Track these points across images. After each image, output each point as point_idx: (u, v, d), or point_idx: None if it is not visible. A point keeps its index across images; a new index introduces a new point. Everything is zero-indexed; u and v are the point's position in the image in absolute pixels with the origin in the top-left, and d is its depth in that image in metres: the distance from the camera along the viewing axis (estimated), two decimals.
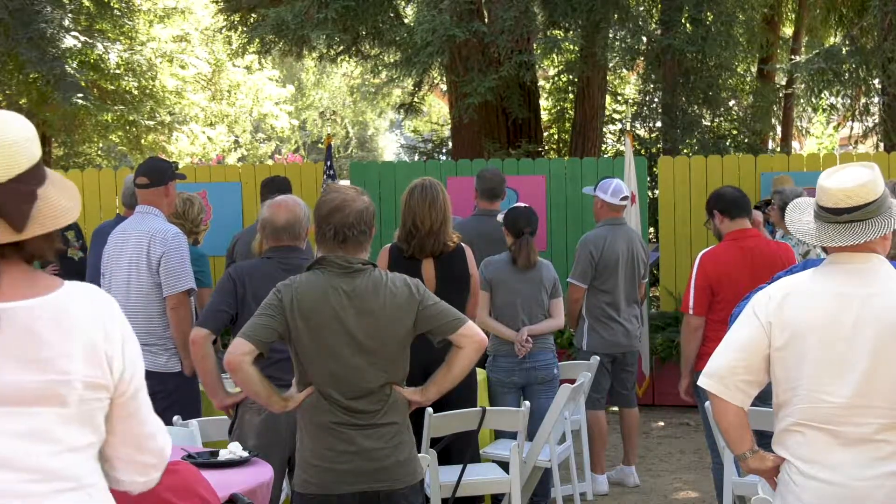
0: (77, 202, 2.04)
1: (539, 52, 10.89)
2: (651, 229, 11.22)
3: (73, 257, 7.53)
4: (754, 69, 14.15)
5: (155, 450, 2.10)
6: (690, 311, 5.58)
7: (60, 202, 2.00)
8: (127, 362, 2.04)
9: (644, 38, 11.03)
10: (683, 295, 5.71)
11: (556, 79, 14.69)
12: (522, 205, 6.26)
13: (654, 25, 11.34)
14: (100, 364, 1.98)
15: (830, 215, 2.99)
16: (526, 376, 6.05)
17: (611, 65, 12.01)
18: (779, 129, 14.94)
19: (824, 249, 3.17)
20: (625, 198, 6.80)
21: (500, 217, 6.31)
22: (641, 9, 11.43)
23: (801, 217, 3.13)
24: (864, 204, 2.96)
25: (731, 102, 12.79)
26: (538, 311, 6.09)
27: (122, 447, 2.05)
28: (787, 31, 15.53)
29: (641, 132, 12.75)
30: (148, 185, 5.50)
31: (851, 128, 13.31)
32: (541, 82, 14.88)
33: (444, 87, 14.73)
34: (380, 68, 12.19)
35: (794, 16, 15.21)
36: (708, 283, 5.53)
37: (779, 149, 13.84)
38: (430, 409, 4.72)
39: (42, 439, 1.91)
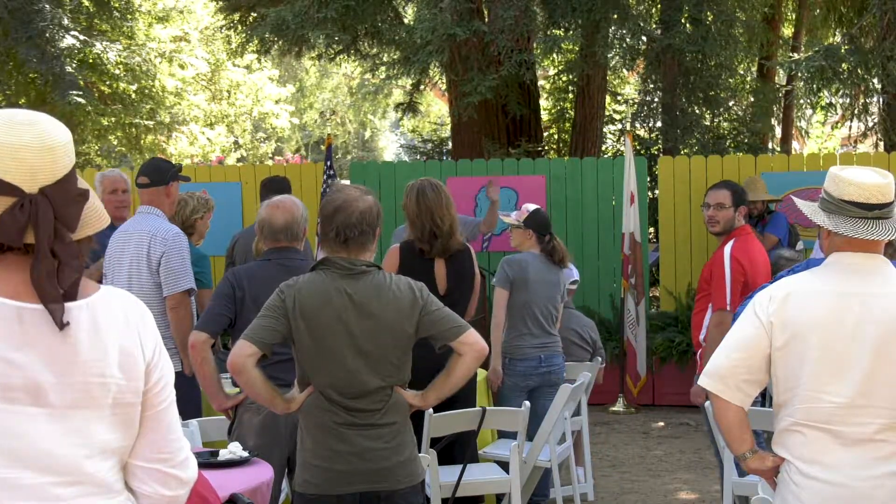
0: (102, 204, 2.05)
1: (539, 51, 10.90)
2: (651, 229, 11.23)
3: None
4: (754, 69, 14.15)
5: (181, 463, 2.09)
6: (728, 308, 5.37)
7: (97, 203, 2.00)
8: (161, 370, 2.04)
9: (644, 38, 11.03)
10: (717, 292, 5.46)
11: (556, 78, 14.69)
12: (539, 207, 6.27)
13: (654, 25, 11.34)
14: (134, 370, 1.98)
15: (860, 210, 2.98)
16: (540, 380, 6.03)
17: (611, 65, 12.00)
18: (778, 129, 14.94)
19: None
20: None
21: (512, 216, 6.22)
22: (641, 8, 11.43)
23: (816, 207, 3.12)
24: (890, 202, 2.98)
25: (731, 102, 12.79)
26: (553, 312, 6.09)
27: (149, 454, 2.04)
28: (787, 31, 15.53)
29: (641, 132, 12.75)
30: (148, 185, 5.50)
31: (850, 127, 13.32)
32: (541, 82, 14.89)
33: (444, 87, 14.73)
34: (379, 67, 12.20)
35: (794, 16, 15.22)
36: (744, 278, 5.41)
37: (779, 149, 13.85)
38: (430, 409, 4.72)
39: (77, 443, 1.92)
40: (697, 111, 11.88)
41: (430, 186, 5.36)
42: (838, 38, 12.77)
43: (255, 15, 12.21)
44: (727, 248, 5.51)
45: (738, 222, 5.61)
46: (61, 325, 1.87)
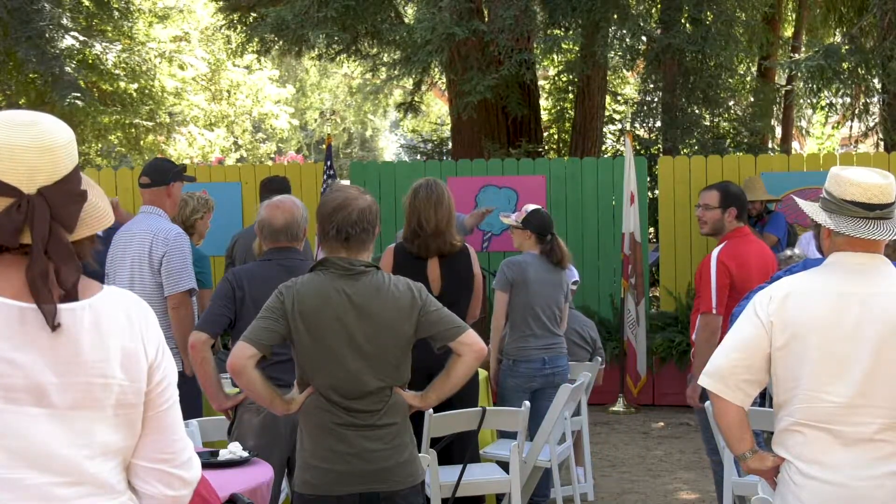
0: (108, 203, 2.04)
1: (539, 51, 10.90)
2: (651, 229, 11.23)
3: None
4: (754, 69, 14.16)
5: (184, 463, 2.09)
6: (714, 311, 5.34)
7: (100, 203, 1.99)
8: (164, 370, 2.04)
9: (644, 38, 11.03)
10: (702, 295, 5.42)
11: (556, 78, 14.70)
12: (540, 207, 6.24)
13: (653, 25, 11.34)
14: (136, 370, 1.98)
15: (862, 210, 2.98)
16: (544, 381, 6.00)
17: (611, 65, 12.00)
18: (778, 129, 14.95)
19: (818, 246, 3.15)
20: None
21: (512, 217, 6.19)
22: (641, 8, 11.44)
23: (818, 208, 3.12)
24: (891, 203, 2.98)
25: (731, 102, 12.80)
26: (556, 313, 6.07)
27: (152, 455, 2.04)
28: (788, 31, 15.53)
29: (641, 132, 12.76)
30: (149, 185, 5.51)
31: (851, 127, 13.32)
32: (541, 82, 14.89)
33: (444, 87, 14.73)
34: (379, 67, 12.20)
35: (794, 15, 15.23)
36: (730, 281, 5.35)
37: (779, 149, 13.86)
38: (430, 409, 4.71)
39: (79, 443, 1.91)
40: (697, 111, 11.88)
41: (424, 186, 5.36)
42: (838, 38, 12.78)
43: (255, 15, 12.21)
44: (715, 252, 5.46)
45: (730, 223, 5.51)
46: (52, 326, 1.86)
